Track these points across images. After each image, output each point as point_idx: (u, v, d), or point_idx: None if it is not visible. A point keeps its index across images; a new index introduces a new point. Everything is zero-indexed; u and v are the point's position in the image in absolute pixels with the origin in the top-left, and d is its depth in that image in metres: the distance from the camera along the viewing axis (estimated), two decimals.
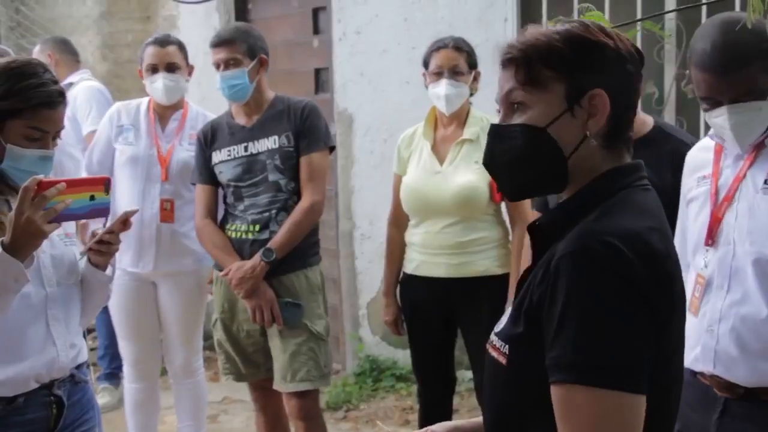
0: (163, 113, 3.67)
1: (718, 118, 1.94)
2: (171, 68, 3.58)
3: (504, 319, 1.41)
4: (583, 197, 1.37)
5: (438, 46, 3.23)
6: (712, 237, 1.98)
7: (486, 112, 3.26)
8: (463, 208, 3.13)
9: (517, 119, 1.38)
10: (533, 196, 1.43)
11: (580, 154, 1.36)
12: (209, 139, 3.33)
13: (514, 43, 1.39)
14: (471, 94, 3.26)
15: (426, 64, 3.26)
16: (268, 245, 3.16)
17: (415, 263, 3.27)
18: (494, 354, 1.39)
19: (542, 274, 1.31)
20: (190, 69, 3.70)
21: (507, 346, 1.36)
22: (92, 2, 6.53)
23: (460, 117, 3.25)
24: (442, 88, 3.16)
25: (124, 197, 3.55)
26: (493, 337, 1.41)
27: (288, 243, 3.16)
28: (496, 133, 1.41)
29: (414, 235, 3.28)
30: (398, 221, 3.37)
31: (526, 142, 1.37)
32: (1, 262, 1.83)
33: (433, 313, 3.24)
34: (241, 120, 3.32)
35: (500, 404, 1.40)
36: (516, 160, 1.39)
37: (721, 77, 1.90)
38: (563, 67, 1.36)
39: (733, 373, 1.93)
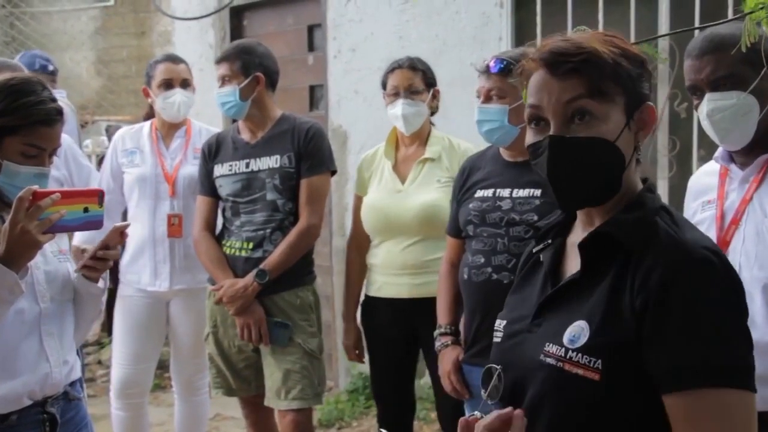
0: (166, 132, 3.72)
1: (702, 112, 1.96)
2: (185, 84, 3.65)
3: (573, 334, 1.33)
4: (641, 209, 1.37)
5: (393, 67, 3.21)
6: None
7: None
8: (425, 227, 3.08)
9: (585, 131, 1.34)
10: (585, 207, 1.41)
11: (630, 167, 1.39)
12: (213, 151, 3.36)
13: (564, 51, 1.35)
14: (432, 113, 3.24)
15: (384, 86, 3.24)
16: (262, 266, 3.15)
17: (377, 285, 3.22)
18: (578, 371, 1.30)
19: (640, 283, 1.29)
20: (194, 89, 3.75)
21: (600, 361, 1.29)
22: (87, 18, 6.56)
23: (422, 136, 3.22)
24: (399, 108, 3.14)
25: (136, 217, 3.60)
26: (570, 354, 1.32)
27: (282, 264, 3.16)
28: (560, 143, 1.35)
29: (375, 256, 3.22)
30: (358, 244, 3.32)
31: (598, 156, 1.34)
32: None
33: (395, 335, 3.17)
34: (245, 136, 3.33)
35: (584, 425, 1.33)
36: (584, 173, 1.35)
37: (699, 58, 1.96)
38: (627, 81, 1.36)
39: None
